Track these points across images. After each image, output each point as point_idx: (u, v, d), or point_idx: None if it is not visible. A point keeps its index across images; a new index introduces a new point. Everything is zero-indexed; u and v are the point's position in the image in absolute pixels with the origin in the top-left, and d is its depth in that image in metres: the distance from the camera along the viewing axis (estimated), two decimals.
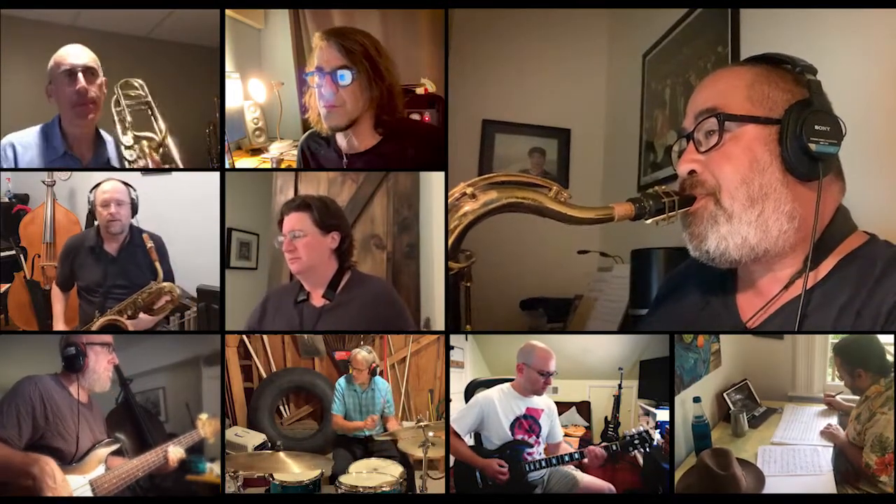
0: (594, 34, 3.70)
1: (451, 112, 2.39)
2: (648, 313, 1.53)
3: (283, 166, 2.56)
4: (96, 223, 2.08)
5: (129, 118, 1.98)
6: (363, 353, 2.41)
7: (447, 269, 1.12)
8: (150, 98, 2.03)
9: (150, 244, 2.02)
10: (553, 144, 3.68)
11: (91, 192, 2.04)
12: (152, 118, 2.02)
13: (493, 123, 3.59)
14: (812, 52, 1.19)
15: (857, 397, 1.52)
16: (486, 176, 1.12)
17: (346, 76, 1.61)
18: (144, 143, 1.99)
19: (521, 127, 3.64)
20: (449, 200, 1.12)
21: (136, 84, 2.03)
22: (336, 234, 1.82)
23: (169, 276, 2.04)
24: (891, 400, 1.38)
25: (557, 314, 2.99)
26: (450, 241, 1.11)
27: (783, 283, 1.16)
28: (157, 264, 2.00)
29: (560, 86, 3.64)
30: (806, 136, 1.08)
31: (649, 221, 1.16)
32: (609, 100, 3.71)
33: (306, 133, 1.86)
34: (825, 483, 1.46)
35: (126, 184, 2.06)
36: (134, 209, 2.08)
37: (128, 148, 1.97)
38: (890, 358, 1.44)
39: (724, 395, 1.82)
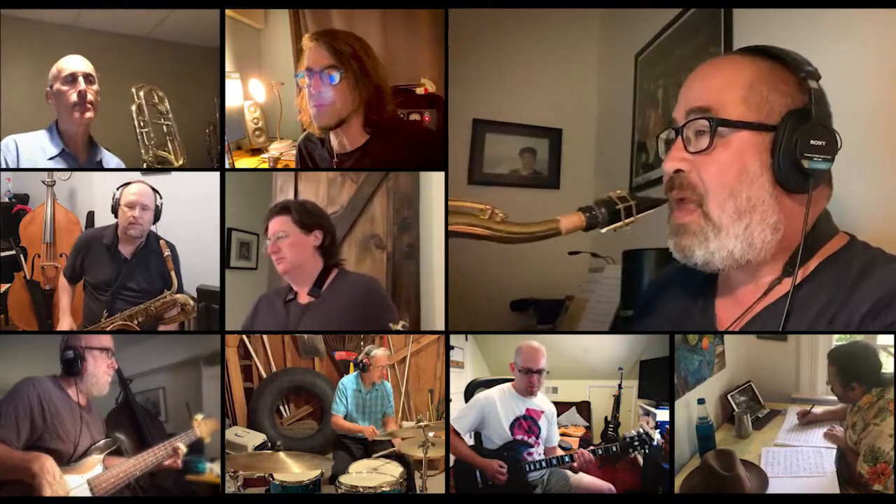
0: (586, 34, 3.67)
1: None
2: (632, 318, 1.50)
3: (281, 166, 2.56)
4: (116, 221, 2.06)
5: (152, 134, 2.06)
6: (382, 351, 2.39)
7: (447, 268, 1.11)
8: (171, 116, 2.10)
9: (167, 252, 2.02)
10: (544, 144, 3.64)
11: (118, 189, 2.04)
12: (169, 139, 2.10)
13: (484, 123, 3.54)
14: (805, 51, 1.15)
15: (833, 407, 1.52)
16: None
17: (335, 76, 1.66)
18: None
19: (512, 127, 3.59)
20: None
21: (157, 96, 2.10)
22: (318, 231, 1.84)
23: (180, 287, 2.04)
24: (884, 410, 1.38)
25: (548, 315, 2.96)
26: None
27: (762, 290, 1.14)
28: (173, 273, 2.01)
29: (552, 85, 3.61)
30: (800, 152, 1.05)
31: (605, 231, 1.11)
32: (601, 100, 3.68)
33: (304, 133, 1.87)
34: (828, 484, 1.46)
35: (154, 189, 2.07)
36: (157, 215, 2.07)
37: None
38: (884, 371, 1.44)
39: (728, 396, 1.82)
